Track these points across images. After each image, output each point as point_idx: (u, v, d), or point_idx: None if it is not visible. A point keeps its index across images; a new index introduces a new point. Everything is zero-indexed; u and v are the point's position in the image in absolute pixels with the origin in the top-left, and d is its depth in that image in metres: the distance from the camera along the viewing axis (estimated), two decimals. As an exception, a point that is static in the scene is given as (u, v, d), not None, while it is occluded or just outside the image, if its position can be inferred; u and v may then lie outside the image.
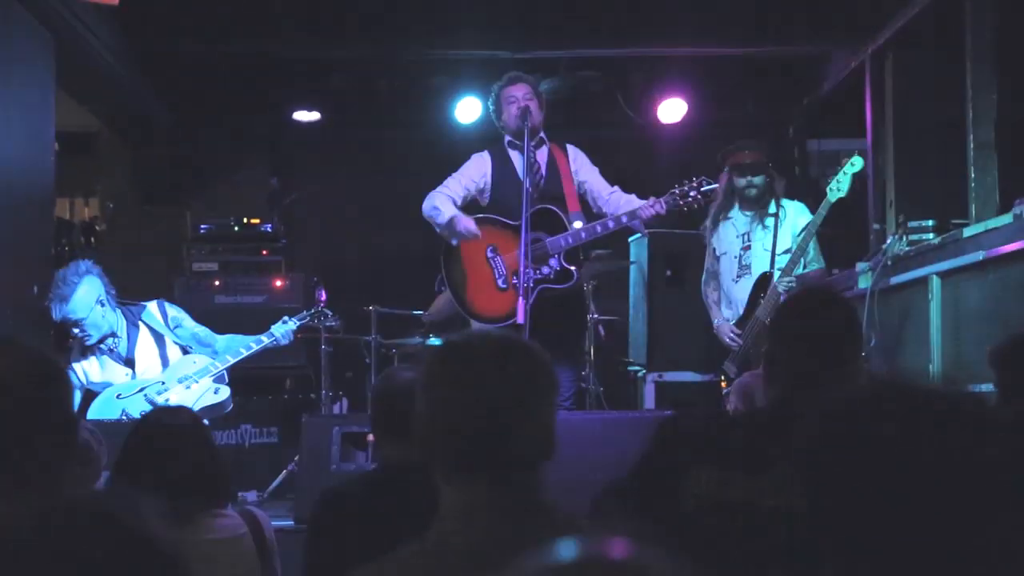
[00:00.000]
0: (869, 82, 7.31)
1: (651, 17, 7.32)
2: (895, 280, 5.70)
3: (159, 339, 5.86)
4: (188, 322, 5.98)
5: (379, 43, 7.61)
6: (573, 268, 5.65)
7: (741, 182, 5.98)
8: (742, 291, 5.94)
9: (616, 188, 5.90)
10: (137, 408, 5.56)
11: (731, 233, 6.08)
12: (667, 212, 5.64)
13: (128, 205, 9.07)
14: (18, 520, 1.34)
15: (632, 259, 7.80)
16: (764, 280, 5.81)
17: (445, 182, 5.94)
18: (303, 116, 8.67)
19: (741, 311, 5.91)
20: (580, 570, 1.05)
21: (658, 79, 8.35)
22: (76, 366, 5.75)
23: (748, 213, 6.02)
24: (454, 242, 5.82)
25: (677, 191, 5.62)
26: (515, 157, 5.89)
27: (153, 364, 5.81)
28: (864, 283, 5.90)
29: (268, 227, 8.30)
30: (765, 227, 5.96)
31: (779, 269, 5.78)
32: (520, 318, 5.33)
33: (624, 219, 5.64)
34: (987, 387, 3.49)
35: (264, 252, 8.21)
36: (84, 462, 3.26)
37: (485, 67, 7.50)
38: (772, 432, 2.43)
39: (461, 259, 5.85)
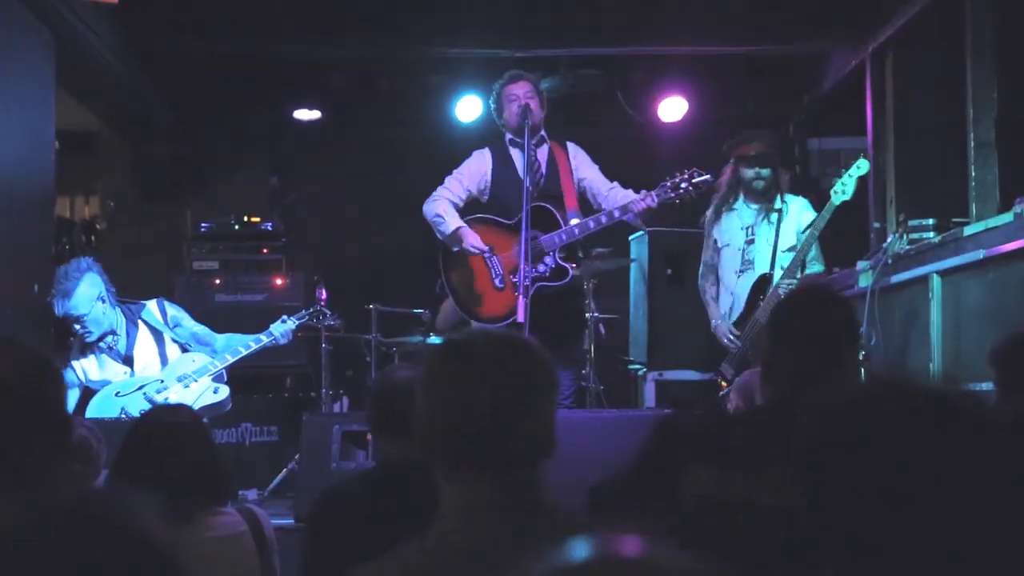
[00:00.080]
0: (870, 80, 7.31)
1: (651, 16, 7.31)
2: (895, 279, 5.69)
3: (158, 337, 5.87)
4: (187, 321, 6.00)
5: (379, 42, 7.60)
6: (568, 265, 5.65)
7: (749, 173, 5.91)
8: (743, 287, 5.91)
9: (615, 184, 5.90)
10: (136, 406, 5.56)
11: (735, 225, 6.01)
12: (658, 205, 5.62)
13: (128, 204, 9.08)
14: (15, 520, 1.34)
15: (633, 257, 7.79)
16: (763, 281, 5.79)
17: (446, 182, 5.94)
18: (303, 115, 8.66)
19: (741, 307, 5.88)
20: (593, 570, 1.05)
21: (658, 78, 8.35)
22: (75, 364, 5.76)
23: (754, 206, 5.97)
24: (455, 248, 5.84)
25: (668, 184, 5.61)
26: (516, 155, 5.90)
27: (152, 362, 5.82)
28: (864, 282, 5.89)
29: (268, 226, 8.30)
30: (770, 222, 5.91)
31: (781, 267, 5.76)
32: (520, 316, 5.33)
33: (616, 213, 5.64)
34: (987, 385, 3.48)
35: (264, 251, 8.21)
36: (84, 460, 3.26)
37: (485, 66, 7.50)
38: (771, 431, 2.42)
39: (459, 261, 5.86)
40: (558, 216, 5.67)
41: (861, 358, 5.48)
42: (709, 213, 6.09)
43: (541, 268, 5.58)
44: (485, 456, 1.87)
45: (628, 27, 7.42)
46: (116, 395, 5.66)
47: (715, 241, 6.07)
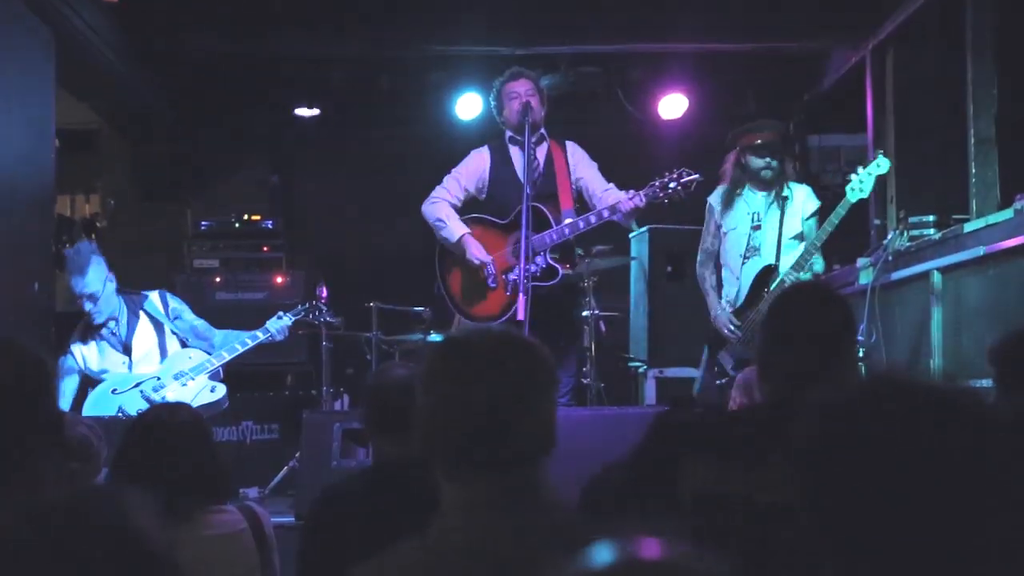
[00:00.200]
0: (870, 77, 7.31)
1: (651, 13, 7.31)
2: (896, 276, 5.69)
3: (159, 329, 5.89)
4: (188, 314, 6.02)
5: (379, 40, 7.60)
6: (559, 266, 5.65)
7: (759, 163, 5.85)
8: (748, 273, 5.86)
9: (611, 186, 5.89)
10: (133, 405, 5.57)
11: (742, 210, 5.94)
12: (646, 204, 5.60)
13: (129, 202, 9.08)
14: (15, 520, 1.34)
15: (633, 255, 7.79)
16: (767, 272, 5.76)
17: (444, 182, 5.95)
18: (304, 113, 8.66)
19: (745, 294, 5.84)
20: (617, 574, 1.05)
21: (658, 75, 8.35)
22: (75, 349, 5.78)
23: (760, 193, 5.94)
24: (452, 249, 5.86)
25: (657, 183, 5.58)
26: (515, 153, 5.90)
27: (151, 353, 5.83)
28: (865, 279, 5.89)
29: (269, 224, 8.31)
30: (778, 207, 5.86)
31: (787, 258, 5.73)
32: (520, 315, 5.34)
33: (605, 213, 5.63)
34: (987, 382, 3.48)
35: (265, 248, 8.22)
36: (84, 458, 3.26)
37: (485, 64, 7.50)
38: (770, 429, 2.42)
39: (454, 261, 5.87)
40: (550, 216, 5.67)
41: (861, 355, 5.49)
42: (714, 201, 6.03)
43: (532, 268, 5.57)
44: (485, 454, 1.87)
45: (628, 25, 7.42)
46: (113, 392, 5.67)
47: (718, 227, 6.01)
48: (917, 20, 6.67)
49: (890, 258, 5.72)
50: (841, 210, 5.59)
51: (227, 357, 5.83)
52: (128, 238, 8.74)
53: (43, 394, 2.15)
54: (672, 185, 5.55)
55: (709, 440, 2.54)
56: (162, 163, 9.00)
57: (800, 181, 6.15)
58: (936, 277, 5.32)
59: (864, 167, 5.67)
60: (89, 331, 5.83)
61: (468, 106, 8.24)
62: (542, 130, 5.91)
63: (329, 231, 9.24)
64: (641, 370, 7.62)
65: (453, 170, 5.99)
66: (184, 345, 5.96)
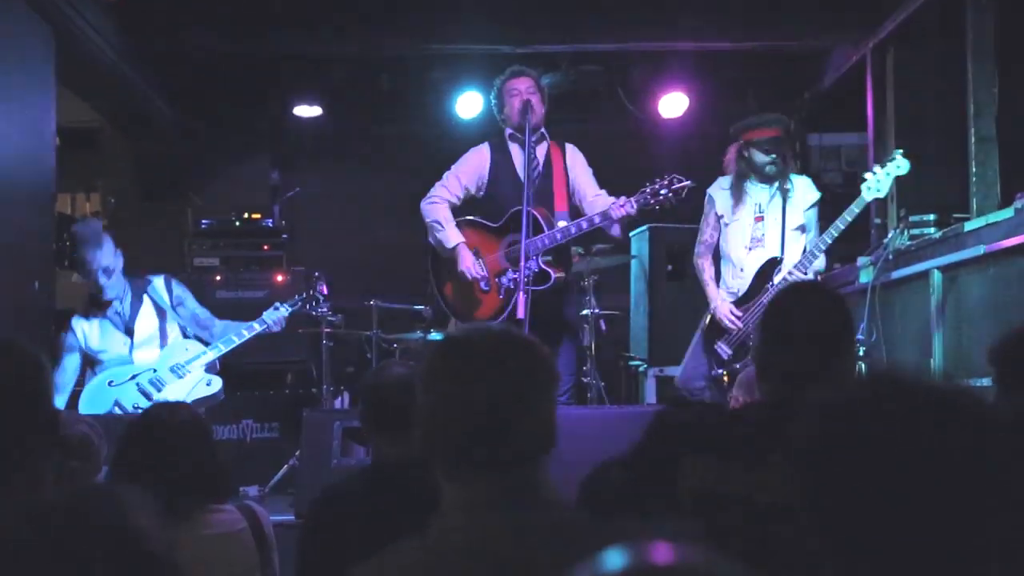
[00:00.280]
0: (870, 76, 7.31)
1: (652, 12, 7.31)
2: (896, 274, 5.69)
3: (161, 314, 5.89)
4: (191, 302, 6.03)
5: (380, 38, 7.60)
6: (551, 270, 5.64)
7: (764, 159, 5.83)
8: (752, 265, 5.83)
9: (602, 192, 5.88)
10: (129, 398, 5.56)
11: (744, 201, 5.97)
12: (637, 211, 5.58)
13: (129, 201, 9.08)
14: (15, 519, 1.34)
15: (633, 253, 7.80)
16: (771, 265, 5.75)
17: (444, 180, 5.94)
18: (304, 111, 8.66)
19: (748, 285, 5.82)
20: None
21: (659, 74, 8.34)
22: (76, 325, 5.77)
23: (763, 185, 5.92)
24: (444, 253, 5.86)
25: (648, 190, 5.55)
26: (514, 151, 5.90)
27: (152, 337, 5.83)
28: (865, 278, 5.89)
29: (269, 222, 8.32)
30: (782, 198, 5.85)
31: (792, 249, 5.72)
32: (520, 313, 5.33)
33: (596, 219, 5.62)
34: (987, 382, 3.48)
35: (265, 247, 8.22)
36: (84, 457, 3.26)
37: (486, 62, 7.50)
38: (769, 428, 2.42)
39: (447, 263, 5.87)
40: (541, 220, 5.66)
41: (861, 354, 5.49)
42: (714, 193, 6.00)
43: (525, 272, 5.57)
44: (485, 454, 1.87)
45: (629, 23, 7.41)
46: (110, 384, 5.66)
47: (718, 218, 5.99)
48: (918, 19, 6.67)
49: (890, 257, 5.72)
50: (856, 208, 5.57)
51: (223, 349, 5.83)
52: (128, 237, 8.71)
53: (42, 394, 2.15)
54: (663, 192, 5.53)
55: (709, 440, 2.54)
56: (163, 161, 9.00)
57: (800, 173, 6.15)
58: (936, 276, 5.32)
59: (882, 166, 5.64)
60: (93, 308, 5.83)
61: (469, 105, 8.25)
62: (542, 129, 5.91)
63: (329, 229, 9.24)
64: (641, 369, 7.63)
65: (452, 167, 5.99)
66: (184, 333, 5.96)
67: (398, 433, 2.92)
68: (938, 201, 6.03)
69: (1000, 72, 5.96)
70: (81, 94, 7.72)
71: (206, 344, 5.92)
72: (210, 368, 5.82)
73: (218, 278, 7.83)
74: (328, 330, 6.87)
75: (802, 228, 5.87)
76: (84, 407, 5.55)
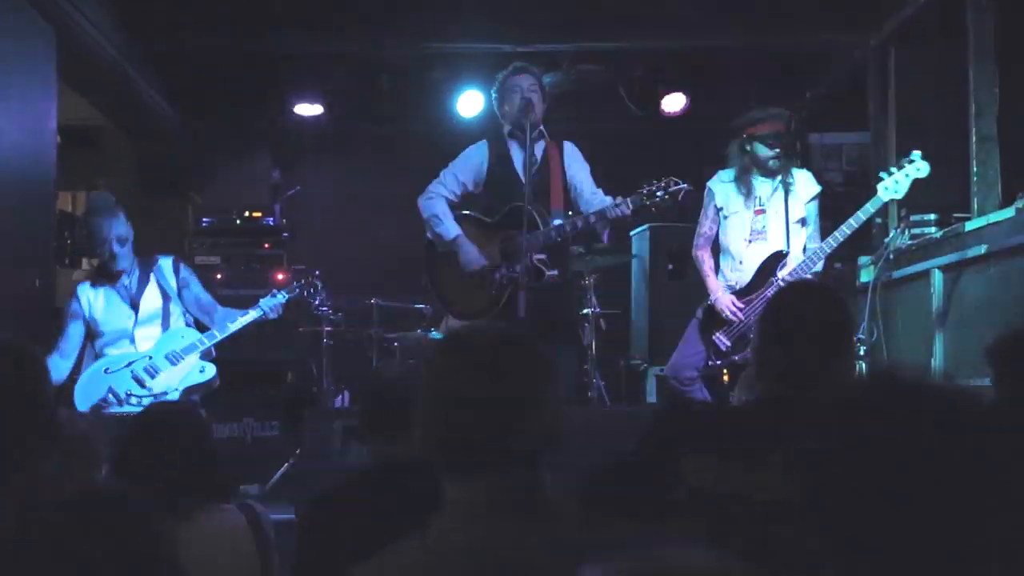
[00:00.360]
0: (872, 75, 7.31)
1: (653, 10, 7.30)
2: (897, 274, 5.70)
3: (165, 297, 5.88)
4: (196, 286, 6.02)
5: (381, 37, 7.60)
6: (544, 268, 5.64)
7: (767, 153, 5.82)
8: (752, 258, 5.82)
9: (599, 191, 5.88)
10: (122, 385, 5.55)
11: (745, 194, 5.95)
12: (633, 212, 5.58)
13: (130, 199, 9.07)
14: (15, 519, 1.34)
15: (634, 253, 7.80)
16: (776, 259, 5.73)
17: (441, 177, 5.95)
18: (305, 110, 8.66)
19: (750, 278, 5.80)
20: None
21: (660, 73, 8.34)
22: (82, 293, 5.76)
23: (765, 179, 5.91)
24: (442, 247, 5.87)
25: (644, 191, 5.55)
26: (513, 148, 5.90)
27: (155, 315, 5.81)
28: (866, 277, 5.90)
29: (270, 220, 8.33)
30: (784, 191, 5.84)
31: (795, 242, 5.71)
32: (521, 312, 5.34)
33: (591, 219, 5.62)
34: (988, 381, 3.48)
35: (266, 245, 8.23)
36: (84, 456, 3.25)
37: (487, 61, 7.49)
38: (769, 427, 2.42)
39: (441, 258, 5.88)
40: (538, 219, 5.67)
41: (862, 354, 5.49)
42: (716, 186, 5.98)
43: (518, 268, 5.58)
44: (485, 454, 1.87)
45: (630, 22, 7.41)
46: (106, 372, 5.65)
47: (718, 210, 5.97)
48: (919, 18, 6.67)
49: (891, 256, 5.72)
50: (871, 207, 5.53)
51: (219, 336, 5.82)
52: (129, 235, 8.73)
53: (42, 394, 2.15)
54: (659, 194, 5.52)
55: (709, 440, 2.55)
56: (164, 160, 9.00)
57: (801, 166, 6.14)
58: (937, 276, 5.33)
59: (900, 168, 5.61)
60: (101, 278, 5.83)
61: (469, 103, 8.24)
62: (541, 127, 5.91)
63: (330, 228, 9.24)
64: (642, 368, 7.63)
65: (450, 165, 6.00)
66: (186, 320, 5.95)
67: (396, 433, 2.92)
68: (939, 201, 6.03)
69: (1001, 72, 5.96)
70: (82, 92, 7.72)
71: (207, 329, 5.91)
72: (205, 355, 5.80)
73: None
74: (329, 329, 6.87)
75: (803, 221, 5.85)
76: (79, 394, 5.55)
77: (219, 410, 6.06)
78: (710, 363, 5.75)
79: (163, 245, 8.52)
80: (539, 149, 5.92)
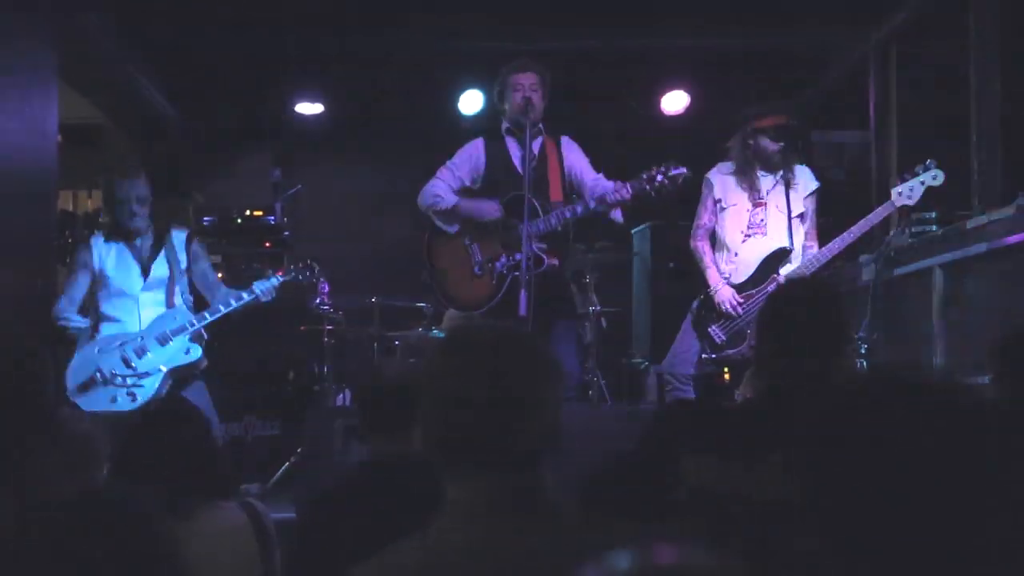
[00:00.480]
0: (873, 73, 7.30)
1: (654, 9, 7.30)
2: (898, 272, 5.69)
3: (173, 268, 5.85)
4: (204, 262, 5.99)
5: (383, 35, 7.60)
6: (545, 256, 5.65)
7: (772, 147, 5.82)
8: (749, 251, 5.81)
9: (600, 175, 5.89)
10: (109, 365, 5.53)
11: (744, 187, 5.94)
12: (632, 197, 5.59)
13: (131, 197, 9.07)
14: (12, 520, 1.34)
15: (635, 251, 7.80)
16: (780, 255, 5.72)
17: (439, 173, 5.96)
18: (306, 109, 8.66)
19: (749, 273, 5.78)
20: None
21: (661, 71, 8.34)
22: (96, 244, 5.72)
23: (765, 172, 5.90)
24: (452, 230, 5.86)
25: (644, 176, 5.58)
26: (510, 144, 5.91)
27: (163, 282, 5.77)
28: (867, 275, 5.89)
29: (271, 219, 8.32)
30: (785, 185, 5.83)
31: (796, 238, 5.71)
32: (522, 310, 5.34)
33: (592, 204, 5.63)
34: (988, 380, 3.48)
35: (267, 244, 8.23)
36: (85, 456, 3.26)
37: (488, 60, 7.49)
38: (769, 427, 2.42)
39: (442, 248, 5.88)
40: (538, 206, 5.67)
41: (863, 352, 5.48)
42: (715, 178, 5.96)
43: (518, 256, 5.58)
44: (486, 453, 1.86)
45: (631, 20, 7.41)
46: (98, 352, 5.64)
47: (716, 202, 5.95)
48: (920, 16, 6.67)
49: (892, 254, 5.71)
50: (883, 211, 5.55)
51: (209, 319, 5.79)
52: (130, 234, 8.73)
53: (42, 394, 2.16)
54: (659, 178, 5.54)
55: (709, 439, 2.55)
56: (164, 159, 9.00)
57: (802, 162, 6.13)
58: (938, 274, 5.32)
59: (915, 175, 5.60)
60: (115, 235, 5.79)
61: (471, 102, 8.24)
62: (539, 123, 5.91)
63: (331, 227, 9.24)
64: (643, 366, 7.62)
65: (448, 162, 6.00)
66: (185, 301, 5.93)
67: (396, 432, 2.92)
68: (940, 199, 6.02)
69: (1003, 70, 5.96)
70: (83, 91, 7.73)
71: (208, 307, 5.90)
72: (196, 337, 5.78)
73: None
74: (330, 328, 6.87)
75: (802, 217, 5.85)
76: (71, 373, 5.52)
77: (220, 409, 6.06)
78: (703, 356, 5.73)
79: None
80: (537, 144, 5.92)
